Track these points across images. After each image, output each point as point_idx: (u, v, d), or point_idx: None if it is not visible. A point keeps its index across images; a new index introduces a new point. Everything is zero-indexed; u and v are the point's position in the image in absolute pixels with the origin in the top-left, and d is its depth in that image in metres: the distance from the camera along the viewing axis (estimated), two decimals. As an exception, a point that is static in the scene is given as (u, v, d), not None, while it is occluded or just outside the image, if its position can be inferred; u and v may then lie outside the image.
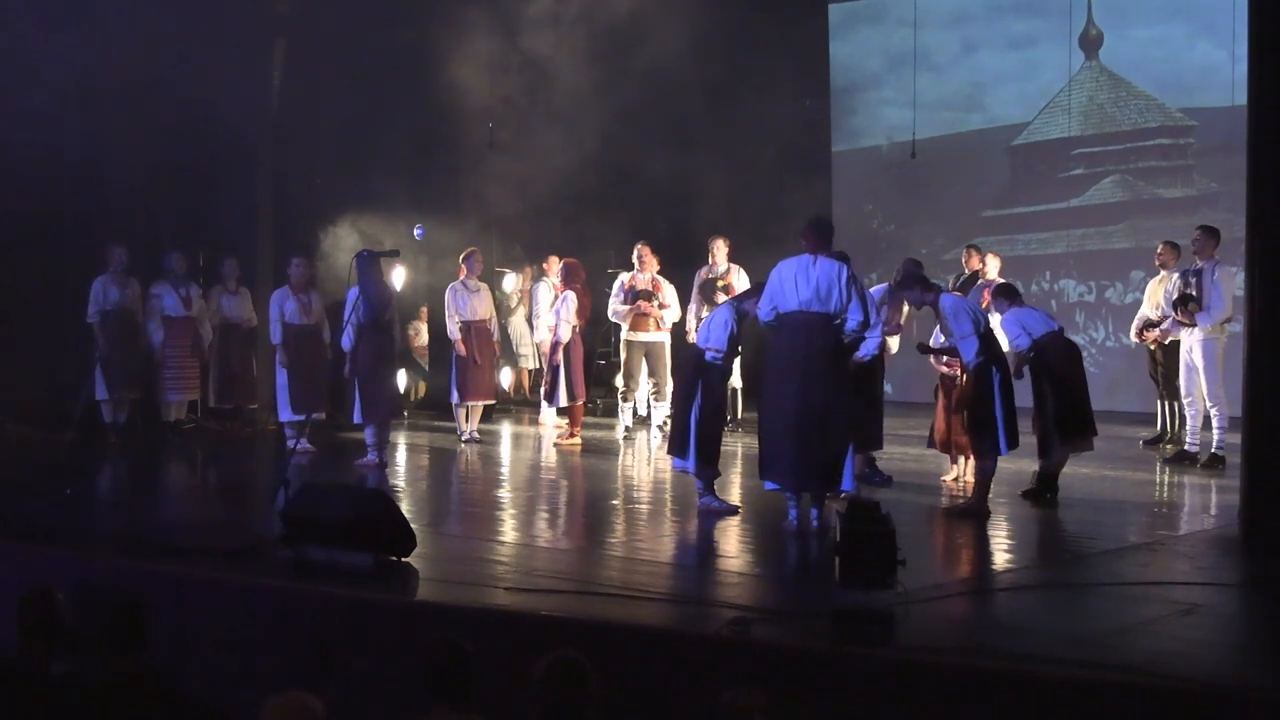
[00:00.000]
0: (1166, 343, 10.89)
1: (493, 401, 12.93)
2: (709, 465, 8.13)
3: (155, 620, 4.75)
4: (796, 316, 7.43)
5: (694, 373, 8.15)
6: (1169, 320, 10.48)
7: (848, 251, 8.68)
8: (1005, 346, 8.68)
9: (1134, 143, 14.58)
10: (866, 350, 8.10)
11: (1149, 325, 10.96)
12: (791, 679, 4.97)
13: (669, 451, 8.33)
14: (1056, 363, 8.56)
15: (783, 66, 15.19)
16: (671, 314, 11.97)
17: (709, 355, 8.10)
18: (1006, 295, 9.07)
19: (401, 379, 13.65)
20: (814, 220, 7.78)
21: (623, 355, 12.17)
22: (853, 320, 7.42)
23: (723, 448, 8.35)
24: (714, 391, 8.10)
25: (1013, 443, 7.95)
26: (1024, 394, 8.78)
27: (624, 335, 12.07)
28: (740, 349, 8.61)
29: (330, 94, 13.42)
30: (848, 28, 16.86)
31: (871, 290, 8.51)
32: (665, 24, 12.77)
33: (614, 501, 9.06)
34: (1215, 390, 9.96)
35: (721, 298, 10.70)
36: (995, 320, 9.03)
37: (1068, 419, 8.49)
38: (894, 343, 9.80)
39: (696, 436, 8.01)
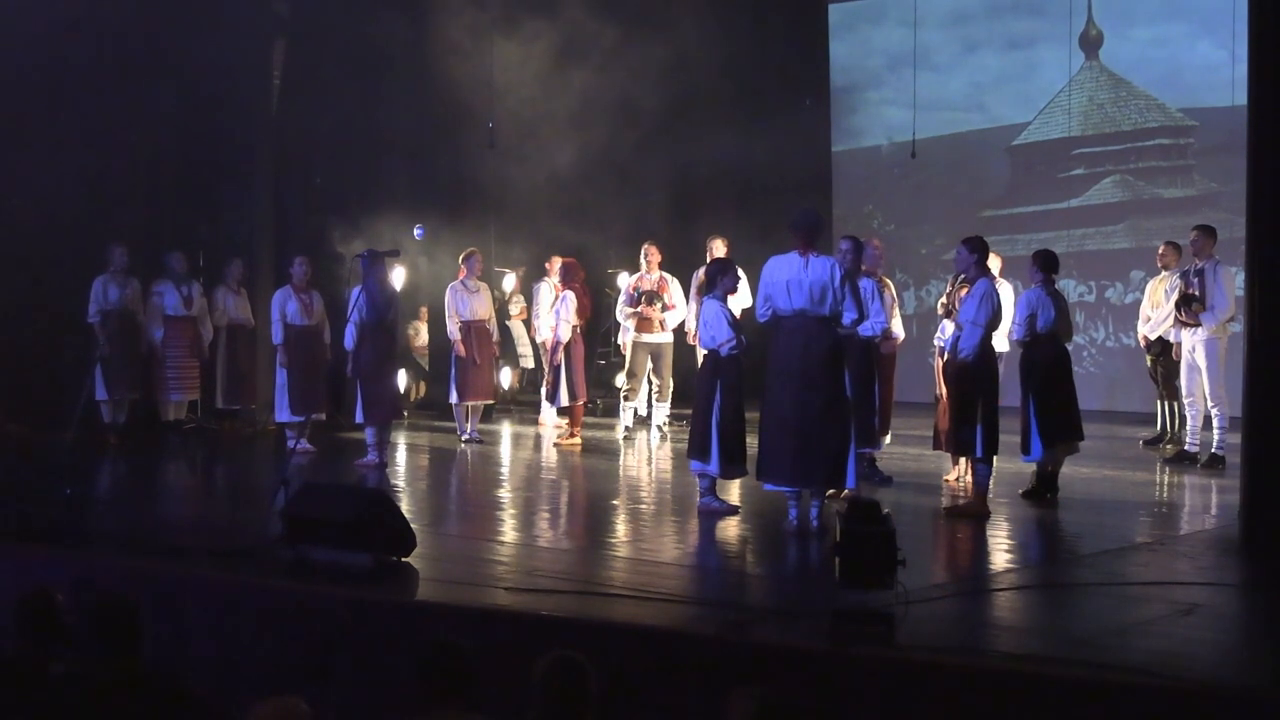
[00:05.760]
0: (1162, 345, 10.92)
1: (492, 401, 12.94)
2: (734, 465, 8.06)
3: (155, 620, 4.76)
4: (793, 320, 7.45)
5: (711, 375, 8.08)
6: (1169, 320, 10.47)
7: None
8: (1004, 325, 8.66)
9: (1134, 143, 14.58)
10: (874, 328, 8.39)
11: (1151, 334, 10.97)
12: (791, 679, 4.97)
13: (689, 455, 8.20)
14: (1045, 364, 8.55)
15: (783, 66, 15.19)
16: (676, 314, 11.89)
17: (724, 350, 8.00)
18: (1045, 265, 8.64)
19: (401, 379, 13.64)
20: (800, 215, 7.60)
21: (628, 356, 12.14)
22: (846, 318, 7.47)
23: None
24: (733, 390, 8.01)
25: (990, 449, 7.96)
26: (1011, 392, 8.79)
27: (630, 336, 12.03)
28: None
29: (330, 93, 13.42)
30: (848, 28, 16.85)
31: (862, 282, 8.51)
32: (666, 24, 12.78)
33: (614, 501, 9.06)
34: (1217, 390, 9.95)
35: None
36: (1006, 296, 8.91)
37: (1051, 422, 8.47)
38: (898, 326, 9.70)
39: (719, 438, 7.95)
